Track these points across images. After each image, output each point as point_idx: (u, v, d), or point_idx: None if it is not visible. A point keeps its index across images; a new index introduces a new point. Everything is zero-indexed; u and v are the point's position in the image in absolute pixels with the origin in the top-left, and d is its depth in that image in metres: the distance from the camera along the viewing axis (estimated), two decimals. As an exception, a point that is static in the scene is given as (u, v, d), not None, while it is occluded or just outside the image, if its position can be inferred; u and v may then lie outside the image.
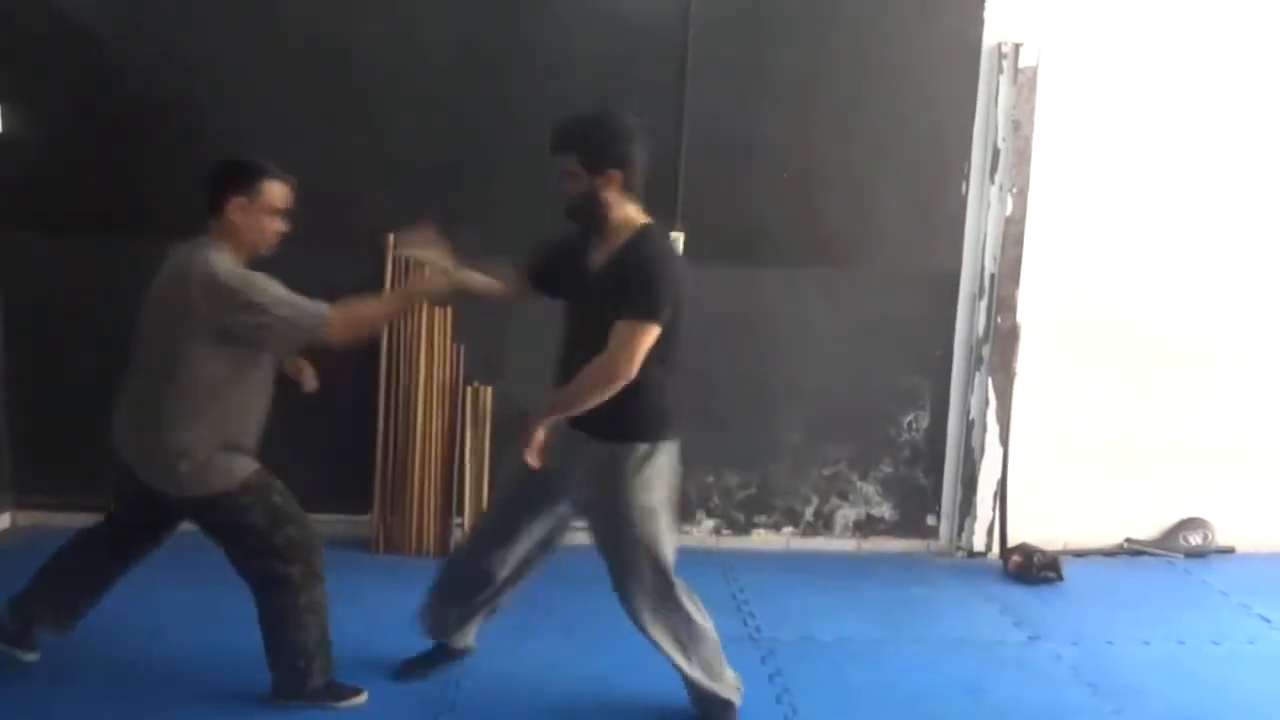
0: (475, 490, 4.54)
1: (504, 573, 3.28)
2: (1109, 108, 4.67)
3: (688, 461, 4.61)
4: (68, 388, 4.39)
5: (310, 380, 3.36)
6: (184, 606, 3.68)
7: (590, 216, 2.93)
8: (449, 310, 4.48)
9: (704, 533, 4.81)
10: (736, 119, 4.55)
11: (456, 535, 4.51)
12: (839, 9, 4.55)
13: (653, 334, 2.81)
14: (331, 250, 4.35)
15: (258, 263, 3.04)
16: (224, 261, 2.91)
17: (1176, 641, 4.01)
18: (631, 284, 2.82)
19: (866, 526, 4.87)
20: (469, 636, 3.45)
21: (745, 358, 4.71)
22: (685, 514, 4.78)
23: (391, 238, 4.41)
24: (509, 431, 4.54)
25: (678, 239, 4.54)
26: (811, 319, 4.70)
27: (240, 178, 2.97)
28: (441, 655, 3.44)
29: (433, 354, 4.49)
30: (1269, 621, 4.22)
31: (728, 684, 3.18)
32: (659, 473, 2.97)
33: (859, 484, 4.83)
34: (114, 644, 3.48)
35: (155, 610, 3.71)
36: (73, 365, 4.39)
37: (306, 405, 4.54)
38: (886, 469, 4.83)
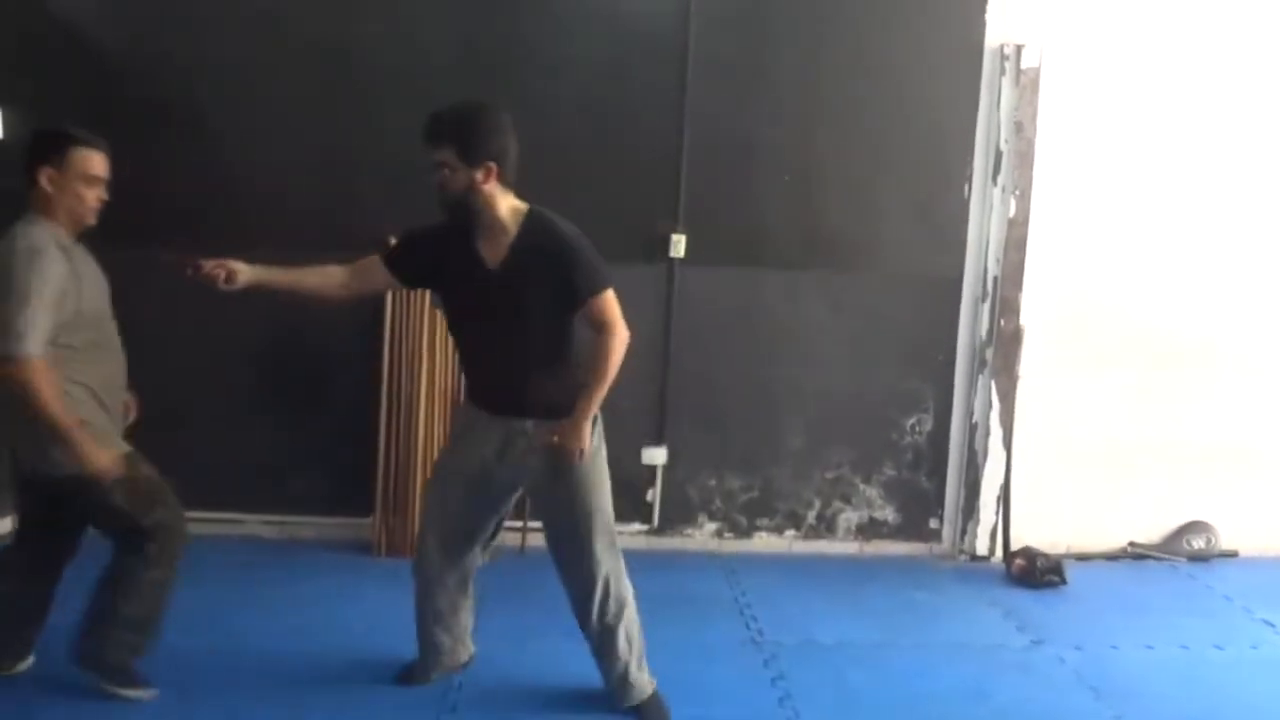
0: (476, 493, 4.52)
1: (473, 574, 3.35)
2: (1111, 109, 4.66)
3: (690, 464, 4.70)
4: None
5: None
6: (182, 609, 3.63)
7: (472, 210, 2.93)
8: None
9: (706, 536, 4.79)
10: (737, 120, 4.54)
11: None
12: (840, 10, 4.53)
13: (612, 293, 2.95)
14: (334, 253, 4.34)
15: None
16: (29, 235, 2.88)
17: (1180, 646, 3.99)
18: (573, 265, 2.91)
19: (869, 530, 4.85)
20: (469, 647, 3.45)
21: (747, 360, 4.70)
22: (687, 517, 4.78)
23: (393, 242, 4.41)
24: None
25: (679, 241, 4.53)
26: (813, 322, 4.68)
27: (47, 147, 2.95)
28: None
29: (434, 359, 4.48)
30: (1272, 626, 4.20)
31: (647, 680, 3.25)
32: (602, 439, 3.10)
33: (861, 487, 4.81)
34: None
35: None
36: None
37: (310, 410, 4.57)
38: (889, 472, 4.81)
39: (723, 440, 4.74)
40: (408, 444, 4.47)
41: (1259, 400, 4.91)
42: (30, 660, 3.28)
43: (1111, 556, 4.90)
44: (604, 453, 3.12)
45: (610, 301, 2.94)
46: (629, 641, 3.18)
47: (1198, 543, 4.90)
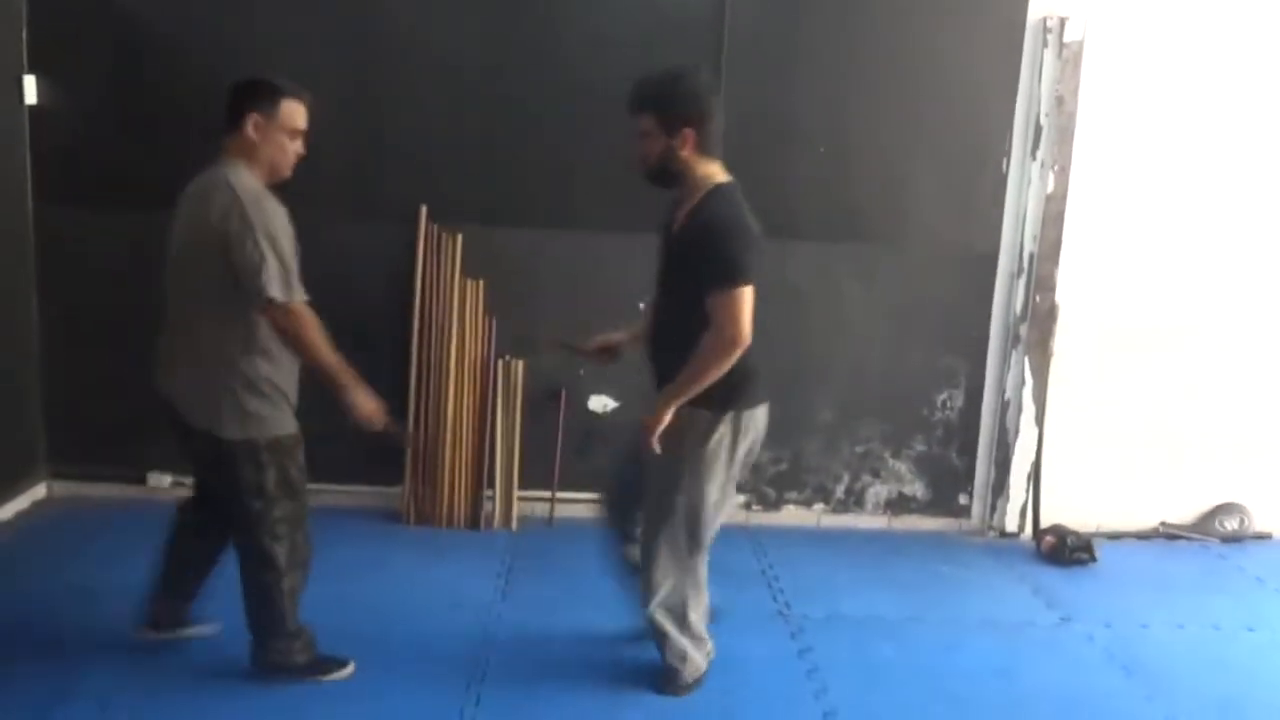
0: (506, 464, 4.54)
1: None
2: (1155, 83, 4.57)
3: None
4: (103, 360, 4.43)
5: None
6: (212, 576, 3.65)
7: (670, 176, 2.96)
8: (480, 284, 4.47)
9: (734, 508, 4.80)
10: (773, 93, 4.49)
11: (487, 508, 4.53)
12: (879, -19, 4.48)
13: (749, 295, 2.85)
14: (366, 222, 4.37)
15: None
16: (244, 181, 2.83)
17: (1211, 626, 3.97)
18: (709, 250, 2.85)
19: (898, 505, 4.84)
20: None
21: (778, 332, 4.62)
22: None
23: (424, 209, 4.42)
24: (540, 405, 4.57)
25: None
26: (846, 295, 4.65)
27: (259, 95, 2.91)
28: None
29: (464, 328, 4.49)
30: (1306, 608, 4.18)
31: (695, 663, 3.24)
32: (719, 441, 2.99)
33: (891, 462, 4.80)
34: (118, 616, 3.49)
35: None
36: (108, 337, 4.43)
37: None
38: (919, 447, 4.79)
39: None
40: (437, 413, 4.49)
41: (1297, 381, 4.85)
42: (211, 624, 3.35)
43: (1143, 536, 4.87)
44: (713, 456, 3.00)
45: (729, 302, 2.82)
46: (679, 644, 3.17)
47: (1230, 524, 4.86)
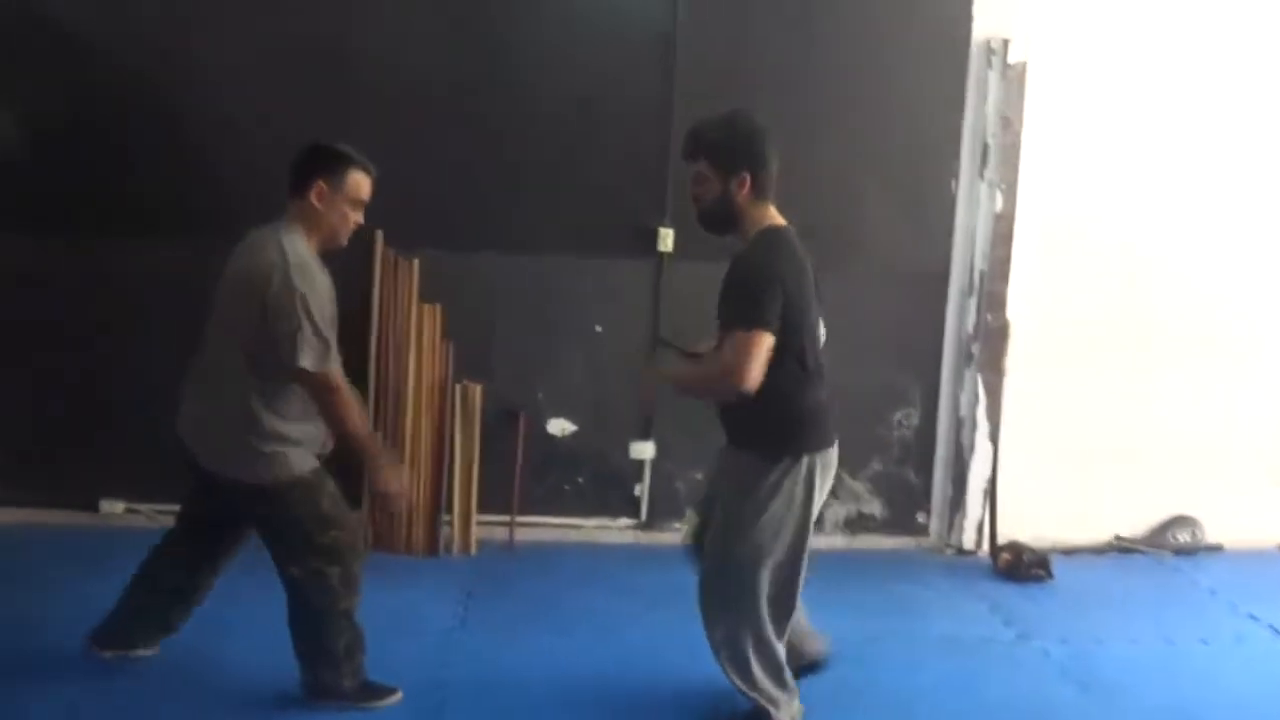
0: (464, 489, 4.51)
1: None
2: (1099, 102, 4.67)
3: (678, 458, 4.69)
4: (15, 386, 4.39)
5: None
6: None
7: (725, 221, 2.92)
8: (437, 309, 4.46)
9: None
10: (725, 115, 4.53)
11: (445, 534, 4.49)
12: (828, 4, 4.53)
13: (765, 342, 2.75)
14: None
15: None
16: (296, 250, 2.88)
17: (1165, 640, 4.01)
18: (734, 290, 2.82)
19: (857, 524, 4.86)
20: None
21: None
22: (676, 511, 4.77)
23: (380, 234, 4.40)
24: (499, 429, 4.54)
25: (667, 236, 4.52)
26: (801, 316, 4.67)
27: (327, 163, 2.94)
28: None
29: (421, 352, 4.46)
30: (1257, 620, 4.22)
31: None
32: (787, 493, 2.91)
33: (849, 481, 4.81)
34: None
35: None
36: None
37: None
38: (876, 466, 4.82)
39: (710, 434, 4.69)
40: (395, 438, 4.44)
41: (1244, 395, 4.93)
42: (154, 649, 3.33)
43: (1097, 550, 4.92)
44: (789, 510, 2.91)
45: (741, 343, 2.74)
46: (754, 693, 3.03)
47: (1183, 536, 4.92)
